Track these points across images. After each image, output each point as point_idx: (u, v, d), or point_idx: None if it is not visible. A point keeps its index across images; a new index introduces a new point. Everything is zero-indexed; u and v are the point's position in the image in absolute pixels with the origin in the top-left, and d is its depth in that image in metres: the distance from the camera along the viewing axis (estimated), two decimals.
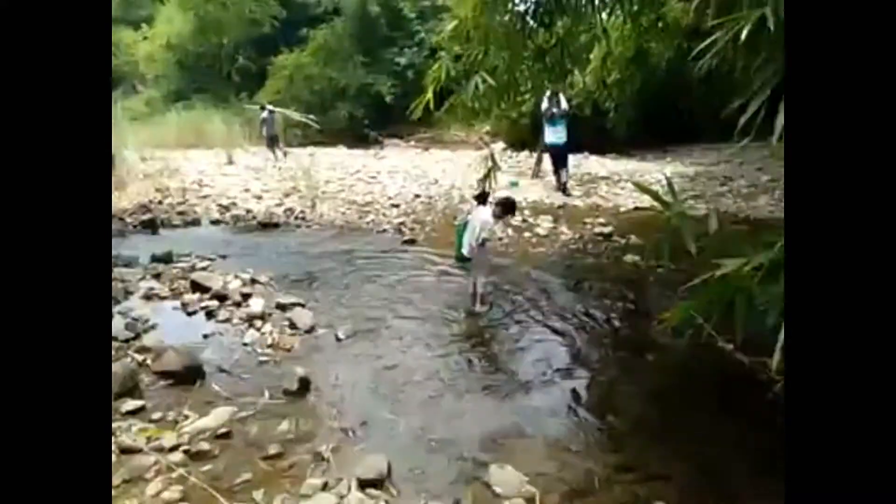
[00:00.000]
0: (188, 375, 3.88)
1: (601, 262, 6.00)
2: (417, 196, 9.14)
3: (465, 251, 4.94)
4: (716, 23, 2.25)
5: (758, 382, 2.94)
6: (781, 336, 1.44)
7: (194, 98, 20.75)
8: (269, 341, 4.41)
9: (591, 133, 13.80)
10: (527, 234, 6.96)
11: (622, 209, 7.89)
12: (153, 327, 4.75)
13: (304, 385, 3.71)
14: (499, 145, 15.61)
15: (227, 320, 4.82)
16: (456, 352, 4.21)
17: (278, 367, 4.04)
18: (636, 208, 8.00)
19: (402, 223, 7.66)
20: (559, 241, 6.78)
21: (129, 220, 8.47)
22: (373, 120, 18.06)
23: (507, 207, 5.00)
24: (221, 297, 5.22)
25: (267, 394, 3.67)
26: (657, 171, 10.55)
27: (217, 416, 3.42)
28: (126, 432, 3.24)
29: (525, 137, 15.35)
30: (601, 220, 7.41)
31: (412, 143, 17.57)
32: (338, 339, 4.45)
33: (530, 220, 7.38)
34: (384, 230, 7.47)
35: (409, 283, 5.62)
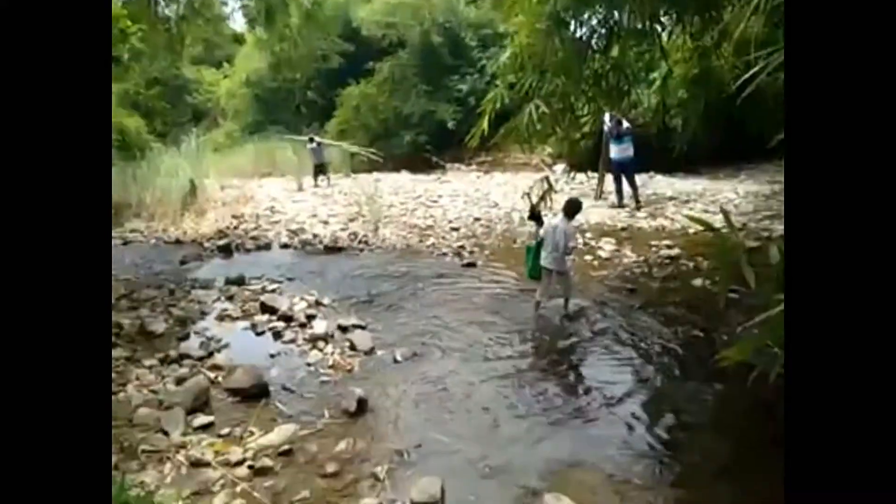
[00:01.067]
0: (255, 393, 4.07)
1: (667, 286, 5.77)
2: (477, 219, 9.20)
3: (549, 265, 5.12)
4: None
5: None
6: None
7: (269, 129, 22.07)
8: (331, 362, 4.55)
9: (657, 152, 13.44)
10: (588, 257, 6.82)
11: (690, 231, 7.56)
12: (225, 346, 5.03)
13: (362, 405, 3.79)
14: (560, 167, 15.46)
15: (293, 341, 5.02)
16: (514, 376, 4.17)
17: (339, 387, 4.15)
18: (707, 229, 7.64)
19: (461, 246, 7.72)
20: (622, 263, 6.60)
21: (207, 244, 9.04)
22: (435, 145, 18.43)
23: (575, 207, 5.21)
24: (288, 319, 5.45)
25: (327, 413, 3.78)
26: (730, 190, 10.09)
27: (280, 434, 3.55)
28: (196, 446, 3.44)
29: (586, 159, 15.16)
30: (667, 241, 7.14)
31: (473, 166, 17.74)
32: (396, 361, 4.52)
33: (592, 242, 7.24)
34: (444, 253, 7.56)
35: (468, 307, 5.64)
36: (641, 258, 6.68)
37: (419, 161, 17.99)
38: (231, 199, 12.18)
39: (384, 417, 3.73)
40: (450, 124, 18.18)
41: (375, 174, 16.06)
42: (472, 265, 6.99)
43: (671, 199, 9.85)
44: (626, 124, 9.97)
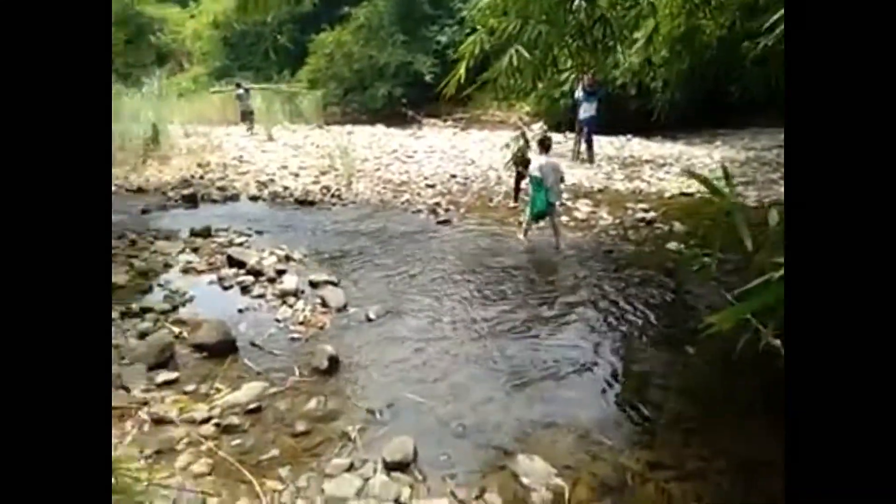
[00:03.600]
0: (222, 349, 3.94)
1: (642, 250, 5.77)
2: (454, 176, 9.03)
3: (554, 200, 5.67)
4: None
5: None
6: None
7: (238, 75, 21.06)
8: (301, 318, 4.42)
9: (635, 114, 13.29)
10: (564, 218, 6.77)
11: (666, 194, 7.57)
12: (190, 300, 4.84)
13: (334, 364, 3.70)
14: (538, 126, 15.27)
15: (261, 296, 4.87)
16: (488, 337, 4.13)
17: (309, 344, 4.04)
18: (681, 194, 7.66)
19: (436, 203, 7.57)
20: (598, 226, 6.57)
21: (171, 193, 8.67)
22: (412, 99, 17.90)
23: (548, 143, 5.85)
24: (256, 273, 5.27)
25: (297, 371, 3.68)
26: (705, 155, 10.11)
27: (248, 391, 3.45)
28: (159, 403, 3.31)
29: (566, 119, 14.95)
30: (644, 205, 7.13)
31: (450, 122, 17.36)
32: (369, 319, 4.42)
33: (568, 203, 7.17)
34: (419, 210, 7.40)
35: (443, 264, 5.55)
36: (617, 220, 6.66)
37: (395, 115, 17.50)
38: (197, 146, 11.68)
39: (356, 376, 3.65)
40: (427, 77, 17.67)
41: (349, 127, 15.60)
42: (447, 222, 6.87)
43: (647, 161, 9.83)
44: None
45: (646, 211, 6.84)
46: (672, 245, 5.74)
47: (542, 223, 6.05)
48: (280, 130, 14.64)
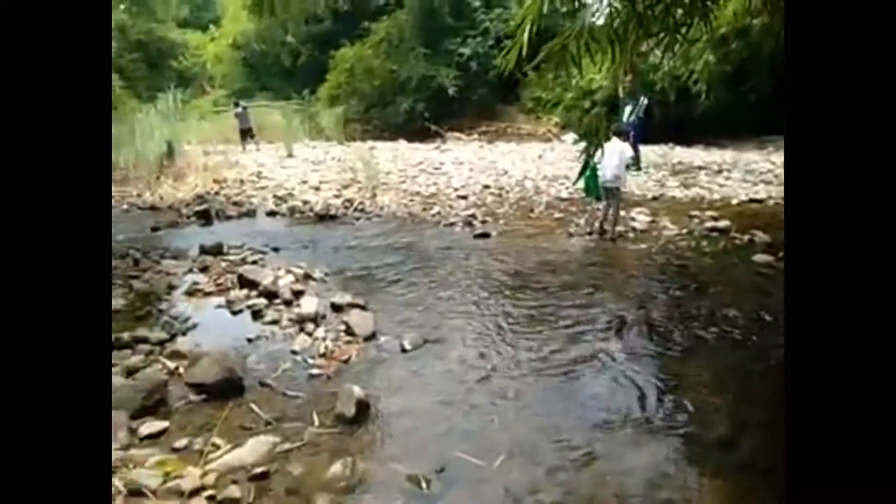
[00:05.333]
0: (224, 390, 3.17)
1: (724, 263, 4.88)
2: (487, 187, 8.26)
3: (611, 184, 5.66)
4: None
5: None
6: None
7: (258, 97, 20.76)
8: (322, 349, 3.65)
9: (674, 121, 12.44)
10: (619, 228, 5.93)
11: (734, 201, 6.69)
12: (192, 328, 4.12)
13: (363, 409, 2.90)
14: (570, 137, 14.51)
15: (275, 322, 4.11)
16: (553, 370, 3.29)
17: (332, 383, 3.26)
18: (751, 200, 6.77)
19: (471, 215, 6.80)
20: (662, 236, 5.71)
21: (184, 210, 8.07)
22: (434, 113, 17.31)
23: (625, 129, 6.25)
24: (270, 295, 4.53)
25: (317, 419, 2.89)
26: (763, 160, 9.19)
27: (254, 449, 2.66)
28: (140, 466, 2.53)
29: (599, 127, 14.16)
30: (711, 213, 6.25)
31: (475, 136, 16.70)
32: (404, 350, 3.63)
33: (621, 212, 6.32)
34: (451, 223, 6.63)
35: (486, 284, 4.74)
36: (684, 230, 5.79)
37: (417, 130, 16.90)
38: (213, 164, 11.14)
39: (392, 426, 2.84)
40: (450, 90, 17.07)
41: (370, 143, 15.02)
42: (485, 235, 6.08)
43: (700, 168, 8.92)
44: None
45: (715, 219, 5.95)
46: (759, 258, 4.85)
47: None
48: (300, 148, 14.12)
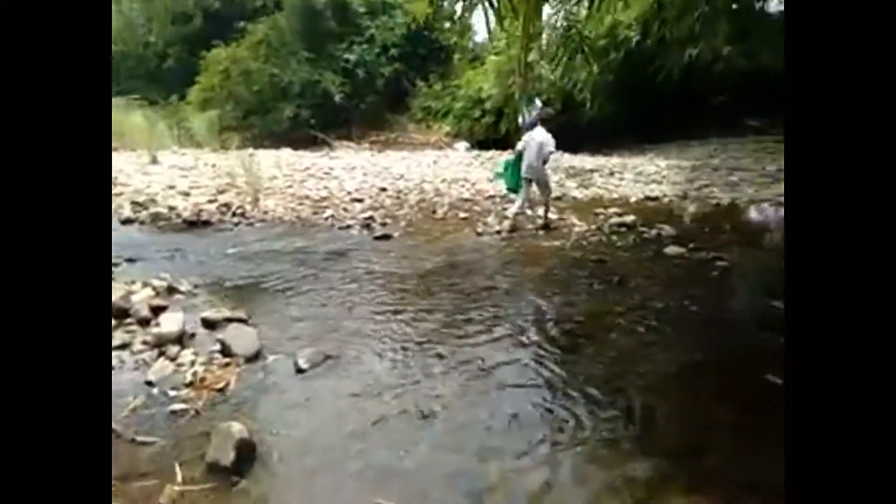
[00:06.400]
0: None
1: (639, 257, 4.70)
2: (384, 190, 7.66)
3: (531, 175, 5.61)
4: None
5: None
6: None
7: (115, 101, 18.35)
8: (189, 377, 2.81)
9: (560, 130, 12.78)
10: (530, 226, 5.63)
11: (632, 199, 6.72)
12: None
13: (245, 453, 2.16)
14: (462, 144, 14.40)
15: (125, 346, 3.17)
16: (476, 387, 2.76)
17: (201, 420, 2.46)
18: (647, 198, 6.84)
19: (369, 218, 6.15)
20: (573, 232, 5.48)
21: None
22: (320, 121, 16.36)
23: (549, 115, 6.11)
24: (120, 314, 3.55)
25: (179, 473, 2.10)
26: (647, 163, 9.55)
27: None
28: None
29: (491, 135, 14.16)
30: (614, 209, 6.17)
31: (365, 145, 16.01)
32: (299, 370, 2.91)
33: (528, 211, 6.04)
34: (347, 226, 5.94)
35: (391, 289, 4.14)
36: (593, 226, 5.61)
37: (302, 138, 15.82)
38: None
39: (288, 472, 2.13)
40: (337, 97, 16.26)
41: (250, 150, 13.75)
42: (386, 237, 5.47)
43: (592, 171, 9.05)
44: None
45: (620, 215, 5.86)
46: (671, 250, 4.74)
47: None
48: (167, 155, 12.52)
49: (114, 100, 16.87)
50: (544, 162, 5.61)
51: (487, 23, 4.00)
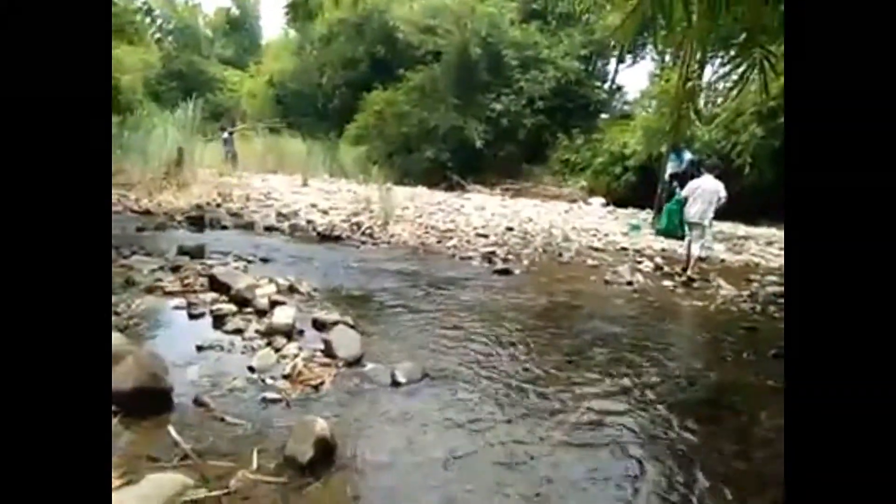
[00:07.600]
0: (144, 403, 2.29)
1: None
2: (510, 229, 7.49)
3: (699, 219, 5.62)
4: None
5: None
6: None
7: (285, 133, 20.57)
8: (288, 369, 2.75)
9: None
10: (667, 283, 5.06)
11: None
12: (134, 326, 3.26)
13: (324, 453, 1.99)
14: (597, 200, 13.87)
15: (238, 331, 3.25)
16: (592, 429, 2.36)
17: (291, 412, 2.36)
18: None
19: (491, 252, 5.99)
20: (719, 295, 4.82)
21: (179, 217, 7.37)
22: (458, 164, 16.87)
23: (717, 164, 6.24)
24: (242, 302, 3.69)
25: (256, 459, 1.98)
26: None
27: (149, 492, 1.75)
28: None
29: (629, 195, 13.46)
30: (772, 278, 5.36)
31: (498, 191, 16.12)
32: (395, 383, 2.73)
33: (666, 268, 5.47)
34: (469, 257, 5.82)
35: (507, 317, 3.86)
36: (745, 293, 4.89)
37: (438, 178, 16.39)
38: (221, 181, 10.58)
39: (363, 484, 1.92)
40: (477, 143, 16.71)
41: (389, 184, 14.51)
42: (506, 272, 5.23)
43: (746, 237, 8.09)
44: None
45: (779, 284, 5.06)
46: None
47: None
48: (318, 181, 13.64)
49: (281, 130, 18.99)
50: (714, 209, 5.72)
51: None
